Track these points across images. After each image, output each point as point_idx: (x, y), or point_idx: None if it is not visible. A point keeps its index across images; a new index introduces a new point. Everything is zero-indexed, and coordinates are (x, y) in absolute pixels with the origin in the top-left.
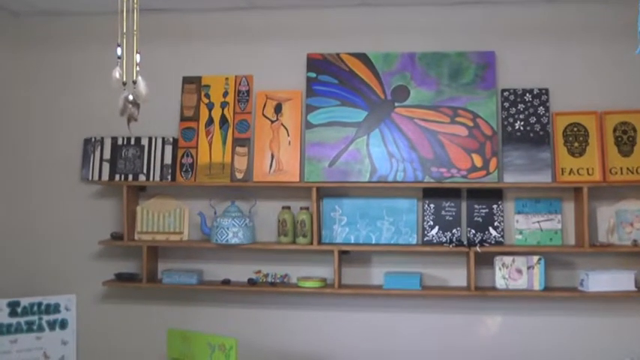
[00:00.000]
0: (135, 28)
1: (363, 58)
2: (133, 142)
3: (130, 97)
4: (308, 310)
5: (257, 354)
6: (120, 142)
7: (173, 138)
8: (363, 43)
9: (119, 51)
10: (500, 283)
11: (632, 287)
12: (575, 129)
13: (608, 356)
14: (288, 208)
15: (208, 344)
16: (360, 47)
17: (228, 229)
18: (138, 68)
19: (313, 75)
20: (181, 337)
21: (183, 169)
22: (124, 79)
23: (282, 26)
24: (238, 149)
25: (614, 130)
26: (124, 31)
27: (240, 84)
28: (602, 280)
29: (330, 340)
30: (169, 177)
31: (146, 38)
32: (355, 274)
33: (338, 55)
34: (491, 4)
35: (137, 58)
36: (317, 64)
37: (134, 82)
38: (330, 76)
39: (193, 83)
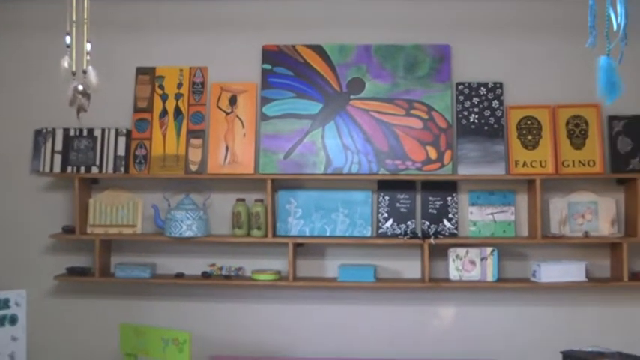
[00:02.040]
0: (85, 16)
1: (318, 50)
2: (85, 133)
3: (80, 87)
4: (262, 303)
5: (211, 347)
6: (72, 133)
7: (126, 129)
8: (319, 35)
9: (68, 39)
10: (453, 274)
11: (582, 278)
12: (529, 122)
13: (560, 345)
14: (243, 200)
15: (162, 338)
16: (315, 39)
17: (182, 221)
18: (88, 57)
19: (268, 67)
20: (134, 331)
21: (137, 161)
22: (74, 68)
23: (237, 17)
24: (193, 141)
25: (567, 123)
26: (74, 19)
27: (194, 75)
28: (553, 271)
29: (284, 333)
30: (122, 169)
31: (98, 27)
32: (310, 266)
33: (293, 46)
34: None
35: (87, 47)
36: (272, 55)
37: (84, 72)
38: (285, 68)
39: (147, 74)
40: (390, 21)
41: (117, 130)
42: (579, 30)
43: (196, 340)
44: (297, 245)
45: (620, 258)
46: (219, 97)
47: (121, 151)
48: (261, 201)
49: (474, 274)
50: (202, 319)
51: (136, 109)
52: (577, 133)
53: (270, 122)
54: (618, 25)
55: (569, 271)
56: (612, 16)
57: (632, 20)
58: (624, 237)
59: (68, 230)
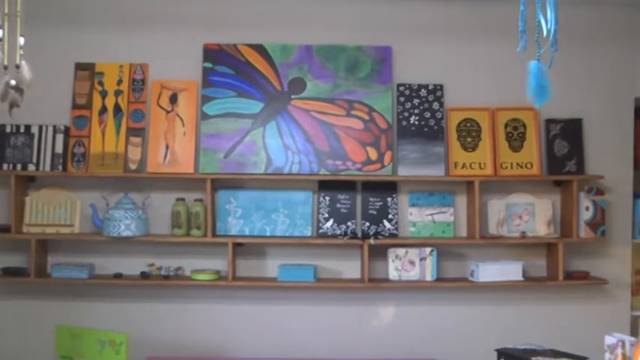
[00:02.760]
0: (18, 8)
1: (259, 49)
2: (22, 129)
3: (12, 82)
4: (202, 303)
5: (150, 349)
6: (8, 129)
7: (65, 126)
8: (261, 35)
9: (0, 33)
10: (393, 274)
11: (519, 277)
12: (469, 124)
13: (497, 344)
14: (183, 199)
15: (98, 340)
16: (257, 38)
17: (120, 221)
18: (22, 52)
19: (209, 65)
20: (70, 333)
21: (75, 159)
22: (6, 62)
23: (178, 15)
24: (132, 139)
25: (506, 126)
26: (6, 11)
27: (135, 72)
28: (491, 271)
29: (224, 333)
30: (60, 167)
31: (36, 21)
32: (250, 266)
33: (235, 45)
34: (389, 0)
35: (21, 41)
36: (213, 54)
37: (17, 67)
38: (226, 67)
39: (86, 70)
40: (332, 22)
41: (55, 126)
42: (517, 34)
43: (134, 342)
44: (236, 245)
45: (556, 258)
46: (160, 95)
47: (59, 149)
48: (201, 200)
49: (413, 274)
50: (141, 320)
51: (75, 106)
52: (515, 136)
53: (210, 121)
54: (548, 31)
55: (506, 270)
56: (542, 21)
57: (571, 27)
58: (560, 237)
59: (3, 229)
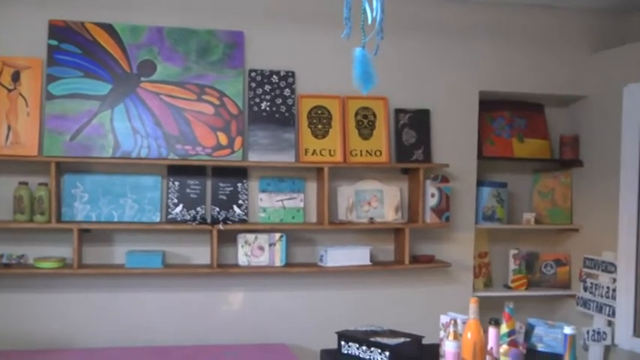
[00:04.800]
0: None
1: (108, 28)
2: None
3: None
4: (46, 293)
5: None
6: None
7: None
8: (110, 14)
9: None
10: (242, 260)
11: (367, 262)
12: (319, 112)
13: (346, 326)
14: (26, 183)
15: None
16: (106, 17)
17: None
18: None
19: (55, 43)
20: None
21: None
22: None
23: None
24: None
25: (356, 114)
26: None
27: None
28: (339, 256)
29: (69, 323)
30: None
31: None
32: (96, 253)
33: (82, 23)
34: None
35: None
36: (59, 31)
37: None
38: (73, 46)
39: None
40: (184, 4)
41: None
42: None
43: None
44: (83, 231)
45: (403, 242)
46: (1, 73)
47: None
48: (45, 185)
49: (263, 259)
50: None
51: None
52: (365, 124)
53: (56, 102)
54: (374, 19)
55: (354, 255)
56: (368, 9)
57: (423, 21)
58: (407, 223)
59: None
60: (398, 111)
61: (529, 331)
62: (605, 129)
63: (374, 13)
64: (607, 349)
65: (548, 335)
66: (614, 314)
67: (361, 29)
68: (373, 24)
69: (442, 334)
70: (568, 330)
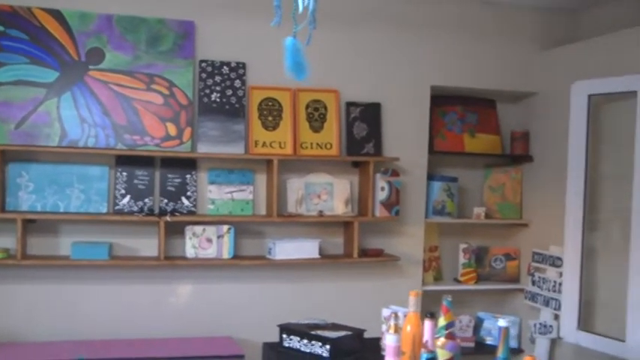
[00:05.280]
0: None
1: (56, 14)
2: None
3: None
4: None
5: None
6: None
7: None
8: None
9: None
10: (190, 252)
11: (316, 255)
12: (270, 104)
13: (292, 320)
14: None
15: None
16: (54, 3)
17: None
18: None
19: (1, 29)
20: None
21: None
22: None
23: None
24: None
25: (307, 106)
26: None
27: None
28: (288, 249)
29: (13, 317)
30: None
31: None
32: (41, 244)
33: (29, 8)
34: None
35: None
36: (5, 16)
37: None
38: (19, 31)
39: None
40: None
41: None
42: (319, 16)
43: None
44: (27, 222)
45: (352, 236)
46: None
47: None
48: None
49: (210, 251)
50: None
51: None
52: (316, 117)
53: (1, 88)
54: (305, 8)
55: (303, 248)
56: None
57: (376, 15)
58: (356, 216)
59: None
60: (349, 104)
61: (478, 324)
62: (555, 125)
63: (305, 2)
64: (553, 342)
65: (497, 328)
66: (560, 308)
67: (292, 18)
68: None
69: (384, 327)
70: (502, 322)
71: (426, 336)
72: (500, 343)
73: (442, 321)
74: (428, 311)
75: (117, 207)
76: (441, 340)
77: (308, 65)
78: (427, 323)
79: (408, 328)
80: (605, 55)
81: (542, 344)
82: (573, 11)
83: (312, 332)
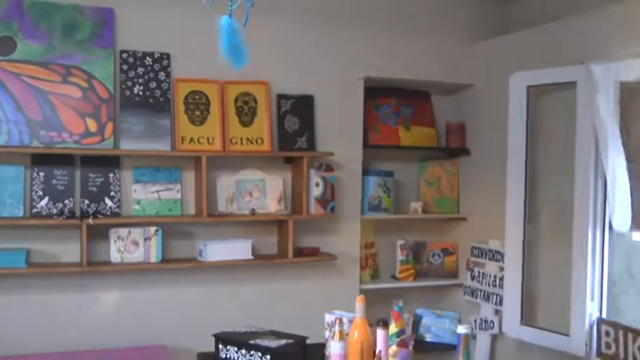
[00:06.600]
0: None
1: None
2: None
3: None
4: None
5: None
6: None
7: None
8: None
9: None
10: (115, 256)
11: (249, 255)
12: (197, 97)
13: (226, 325)
14: None
15: None
16: None
17: None
18: None
19: None
20: None
21: None
22: None
23: None
24: None
25: (236, 100)
26: None
27: None
28: (220, 250)
29: None
30: None
31: None
32: None
33: None
34: None
35: None
36: None
37: None
38: None
39: None
40: None
41: None
42: (261, 6)
43: None
44: None
45: (286, 235)
46: None
47: None
48: None
49: (137, 255)
50: None
51: None
52: (246, 111)
53: None
54: None
55: (235, 249)
56: None
57: (311, 6)
58: (290, 214)
59: None
60: (280, 97)
61: (417, 321)
62: (491, 117)
63: None
64: (494, 338)
65: (436, 325)
66: (501, 303)
67: None
68: None
69: (327, 333)
70: (462, 329)
71: (379, 346)
72: (462, 350)
73: (393, 328)
74: (380, 319)
75: (34, 210)
76: (393, 349)
77: (246, 49)
78: (380, 333)
79: (355, 334)
80: (541, 46)
81: (483, 340)
82: (507, 2)
83: (251, 341)
